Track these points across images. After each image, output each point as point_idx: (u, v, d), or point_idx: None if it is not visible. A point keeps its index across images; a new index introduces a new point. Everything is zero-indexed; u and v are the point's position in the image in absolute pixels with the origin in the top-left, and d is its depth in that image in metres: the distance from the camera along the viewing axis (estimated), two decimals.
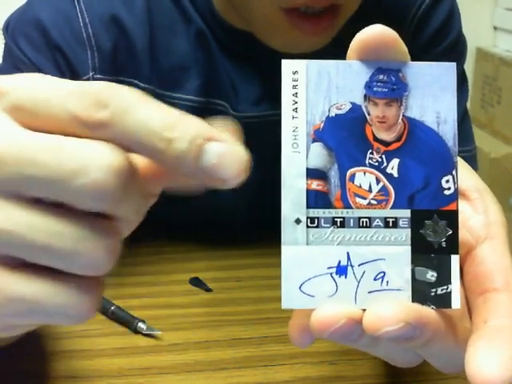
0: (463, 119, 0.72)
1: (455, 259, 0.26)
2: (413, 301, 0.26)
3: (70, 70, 0.60)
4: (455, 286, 0.26)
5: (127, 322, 0.51)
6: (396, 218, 0.26)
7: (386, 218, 0.26)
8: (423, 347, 0.27)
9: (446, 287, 0.26)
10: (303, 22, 0.53)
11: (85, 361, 0.47)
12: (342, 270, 0.26)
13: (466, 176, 0.31)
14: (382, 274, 0.26)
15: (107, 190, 0.22)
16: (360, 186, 0.26)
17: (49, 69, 0.60)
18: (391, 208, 0.26)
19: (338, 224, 0.26)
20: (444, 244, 0.26)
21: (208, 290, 0.58)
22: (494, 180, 1.75)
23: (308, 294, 0.26)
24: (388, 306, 0.25)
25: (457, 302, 0.26)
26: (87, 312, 0.24)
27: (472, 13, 1.96)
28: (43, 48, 0.60)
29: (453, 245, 0.26)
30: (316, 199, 0.26)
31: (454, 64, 0.26)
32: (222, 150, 0.23)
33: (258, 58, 0.61)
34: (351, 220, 0.26)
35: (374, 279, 0.26)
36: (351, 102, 0.26)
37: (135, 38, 0.61)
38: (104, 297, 0.54)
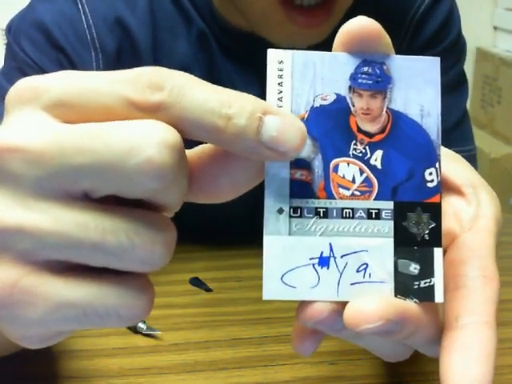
0: (463, 119, 0.72)
1: (438, 252, 0.26)
2: (395, 293, 0.26)
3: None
4: (438, 279, 0.26)
5: None
6: (379, 210, 0.26)
7: (369, 209, 0.26)
8: (406, 339, 0.27)
9: (428, 280, 0.26)
10: (298, 15, 0.54)
11: (85, 361, 0.47)
12: (324, 261, 0.26)
13: (462, 172, 0.31)
14: (365, 266, 0.26)
15: (163, 166, 0.21)
16: (343, 177, 0.26)
17: (53, 70, 0.60)
18: (374, 199, 0.26)
19: (321, 214, 0.26)
20: (427, 236, 0.26)
21: (208, 290, 0.58)
22: (494, 180, 1.76)
23: (290, 285, 0.25)
24: (368, 301, 0.25)
25: (440, 295, 0.26)
26: (140, 311, 0.23)
27: (472, 13, 1.96)
28: (47, 49, 0.60)
29: (436, 237, 0.26)
30: (299, 189, 0.26)
31: (438, 58, 0.26)
32: (281, 122, 0.23)
33: (258, 58, 0.61)
34: (334, 211, 0.26)
35: (357, 271, 0.26)
36: (336, 93, 0.26)
37: (139, 40, 0.61)
38: None
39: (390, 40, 0.26)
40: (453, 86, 0.71)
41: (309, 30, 0.55)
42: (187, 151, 0.25)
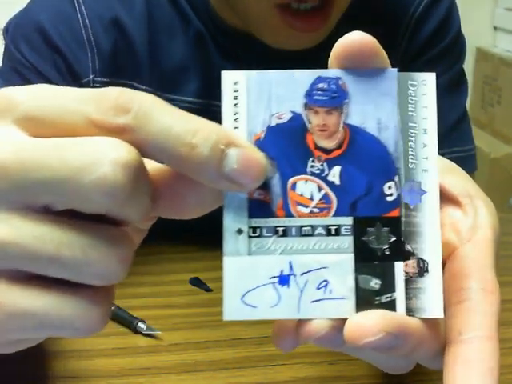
0: (463, 119, 0.72)
1: (399, 266, 0.26)
2: (357, 309, 0.26)
3: (70, 73, 0.60)
4: (400, 294, 0.26)
5: (127, 322, 0.51)
6: (338, 226, 0.26)
7: (328, 225, 0.26)
8: (409, 355, 0.27)
9: (390, 295, 0.26)
10: (295, 20, 0.54)
11: (85, 361, 0.47)
12: (284, 280, 0.26)
13: (458, 182, 0.31)
14: (325, 283, 0.26)
15: (117, 184, 0.22)
16: (302, 195, 0.26)
17: (49, 72, 0.60)
18: (333, 216, 0.26)
19: (280, 233, 0.26)
20: (387, 251, 0.26)
21: (208, 290, 0.58)
22: (494, 180, 1.75)
23: (250, 305, 0.25)
24: (369, 315, 0.25)
25: (402, 310, 0.26)
26: (95, 324, 0.23)
27: (472, 13, 1.96)
28: (43, 51, 0.60)
29: (396, 252, 0.26)
30: (258, 209, 0.26)
31: (395, 70, 0.26)
32: (242, 155, 0.23)
33: (256, 58, 0.62)
34: (293, 229, 0.26)
35: (317, 288, 0.26)
36: (292, 111, 0.26)
37: (135, 40, 0.61)
38: None
39: (385, 54, 0.26)
40: (452, 85, 0.71)
41: (305, 34, 0.55)
42: (154, 166, 0.25)
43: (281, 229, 0.26)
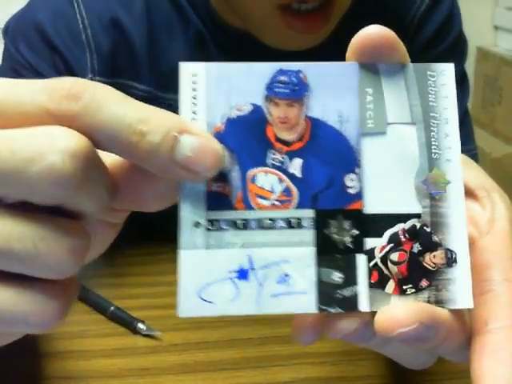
0: (464, 119, 0.72)
1: (361, 259, 0.26)
2: (318, 304, 0.25)
3: (69, 73, 0.60)
4: (363, 287, 0.25)
5: (126, 323, 0.51)
6: (300, 219, 0.25)
7: (289, 218, 0.25)
8: (438, 347, 0.26)
9: (352, 288, 0.25)
10: (296, 21, 0.54)
11: (84, 361, 0.47)
12: (243, 274, 0.25)
13: (473, 175, 0.31)
14: (286, 277, 0.25)
15: (66, 173, 0.21)
16: (262, 187, 0.26)
17: (47, 71, 0.60)
18: (295, 208, 0.25)
19: (240, 226, 0.25)
20: (349, 244, 0.26)
21: None
22: (495, 180, 1.75)
23: (207, 301, 0.25)
24: (400, 307, 0.25)
25: (365, 304, 0.25)
26: (50, 319, 0.23)
27: (473, 12, 1.96)
28: (42, 50, 0.60)
29: (358, 244, 0.26)
30: (216, 201, 0.25)
31: (357, 64, 0.26)
32: (196, 142, 0.23)
33: (256, 58, 0.61)
34: (253, 222, 0.25)
35: (278, 282, 0.25)
36: (252, 104, 0.26)
37: (134, 40, 0.61)
38: (103, 297, 0.54)
39: (404, 48, 0.26)
40: None
41: (306, 34, 0.55)
42: (112, 158, 0.24)
43: (240, 222, 0.25)
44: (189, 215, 0.25)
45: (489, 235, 0.28)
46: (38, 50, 0.60)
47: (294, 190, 0.26)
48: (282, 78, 0.26)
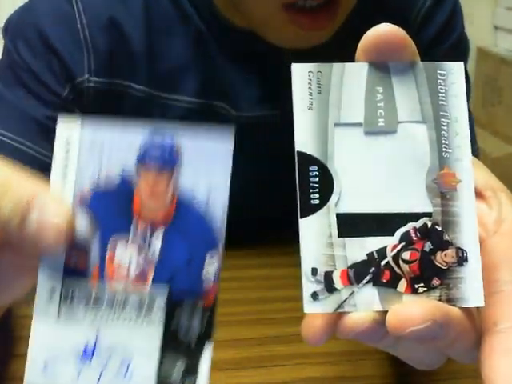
0: None
1: (208, 347, 0.25)
2: None
3: (65, 73, 0.60)
4: (202, 378, 0.25)
5: None
6: (152, 300, 0.25)
7: (141, 299, 0.25)
8: (449, 346, 0.27)
9: (193, 378, 0.25)
10: (301, 18, 0.54)
11: None
12: (87, 354, 0.25)
13: (480, 175, 0.31)
14: (128, 363, 0.25)
15: None
16: (120, 262, 0.25)
17: (42, 71, 0.60)
18: (149, 288, 0.25)
19: (92, 302, 0.25)
20: (198, 332, 0.25)
21: None
22: None
23: (50, 377, 0.24)
24: (412, 305, 0.25)
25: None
26: None
27: (473, 12, 1.96)
28: (39, 50, 0.60)
29: (207, 332, 0.25)
30: (73, 273, 0.25)
31: (232, 129, 0.25)
32: (39, 216, 0.23)
33: (258, 57, 0.61)
34: (105, 299, 0.25)
35: (119, 368, 0.25)
36: (122, 172, 0.25)
37: (132, 41, 0.61)
38: None
39: (414, 47, 0.26)
40: None
41: (312, 32, 0.55)
42: None
43: (93, 297, 0.25)
44: (46, 279, 0.25)
45: (496, 235, 0.28)
46: (35, 50, 0.60)
47: (152, 267, 0.25)
48: (154, 148, 0.25)
